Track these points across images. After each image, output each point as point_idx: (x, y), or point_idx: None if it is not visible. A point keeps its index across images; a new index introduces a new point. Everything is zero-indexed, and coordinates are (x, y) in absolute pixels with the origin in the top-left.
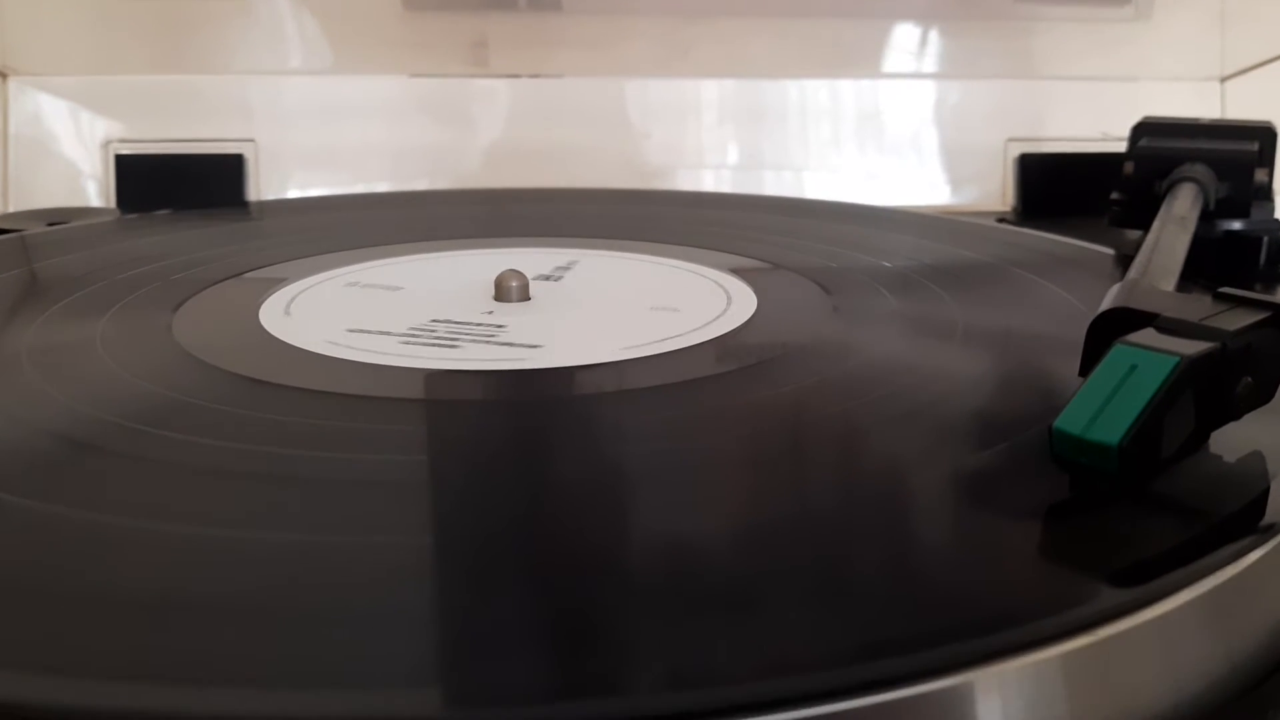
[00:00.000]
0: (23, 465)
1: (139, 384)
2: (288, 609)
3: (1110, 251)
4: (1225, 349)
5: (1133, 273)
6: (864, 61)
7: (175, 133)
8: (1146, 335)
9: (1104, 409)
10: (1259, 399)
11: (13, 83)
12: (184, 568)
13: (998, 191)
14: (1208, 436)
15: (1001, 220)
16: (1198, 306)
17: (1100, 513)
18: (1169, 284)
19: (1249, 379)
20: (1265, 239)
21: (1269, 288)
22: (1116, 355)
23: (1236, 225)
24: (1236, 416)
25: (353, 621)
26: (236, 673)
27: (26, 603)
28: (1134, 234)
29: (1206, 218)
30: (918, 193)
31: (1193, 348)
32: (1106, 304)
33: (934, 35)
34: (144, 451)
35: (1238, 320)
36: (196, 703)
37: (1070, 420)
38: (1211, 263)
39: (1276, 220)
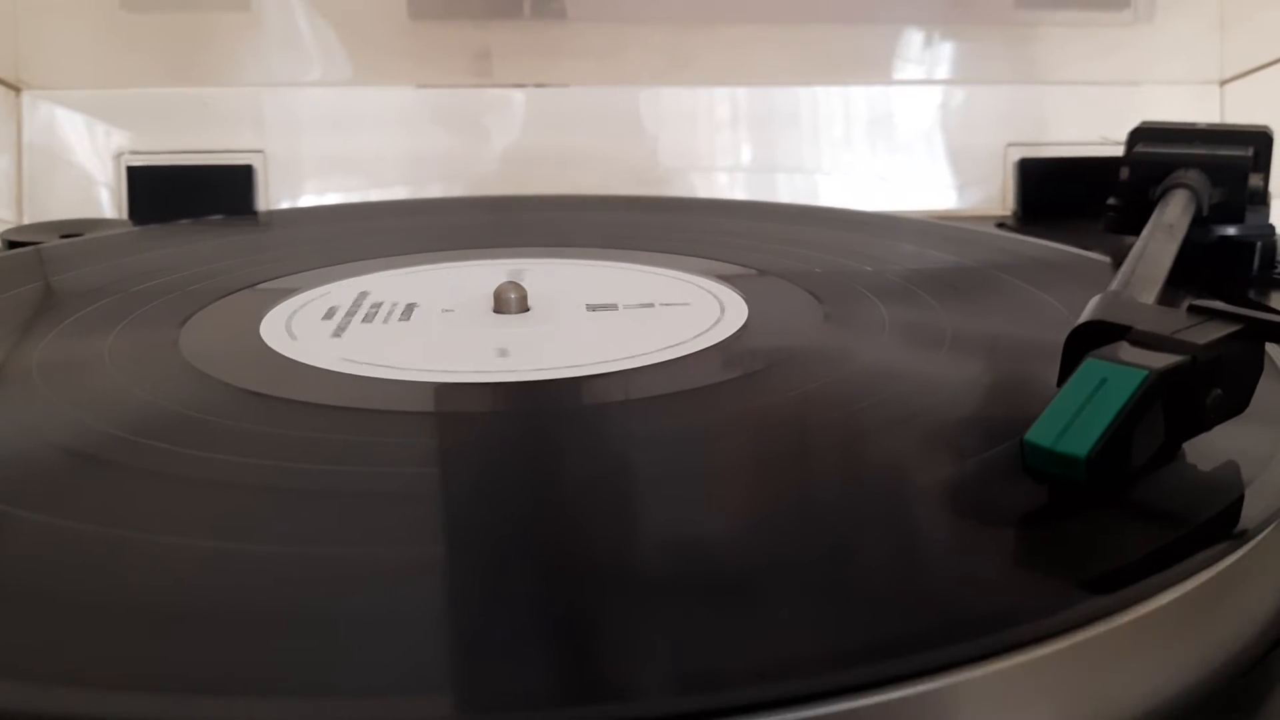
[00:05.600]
0: (31, 478)
1: (145, 398)
2: (292, 617)
3: (1105, 259)
4: (1195, 362)
5: (1115, 283)
6: (866, 68)
7: (186, 144)
8: (1118, 349)
9: (1074, 421)
10: (1232, 409)
11: (26, 96)
12: (189, 578)
13: (998, 196)
14: (1179, 447)
15: (1001, 225)
16: (1172, 319)
17: (1079, 519)
18: (1151, 294)
19: (1219, 391)
20: (1259, 244)
21: (1263, 293)
22: (1087, 369)
23: (1231, 230)
24: (1208, 427)
25: (356, 629)
26: (242, 680)
27: (34, 612)
28: (1131, 239)
29: (1201, 222)
30: (919, 197)
31: (1162, 361)
32: (1083, 317)
33: (935, 41)
34: (148, 465)
35: (1209, 333)
36: (202, 711)
37: (1041, 432)
38: (1206, 268)
39: (1270, 225)
